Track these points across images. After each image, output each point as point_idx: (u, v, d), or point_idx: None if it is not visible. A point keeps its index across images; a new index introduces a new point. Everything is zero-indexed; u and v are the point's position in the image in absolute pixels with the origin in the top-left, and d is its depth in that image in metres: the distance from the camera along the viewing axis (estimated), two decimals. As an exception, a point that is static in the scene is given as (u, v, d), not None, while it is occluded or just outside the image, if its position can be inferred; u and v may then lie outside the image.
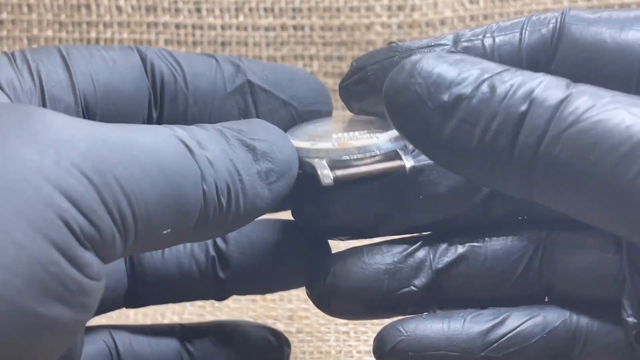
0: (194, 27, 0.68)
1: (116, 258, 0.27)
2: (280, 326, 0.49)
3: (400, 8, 0.67)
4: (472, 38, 0.32)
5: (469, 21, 0.67)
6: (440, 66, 0.28)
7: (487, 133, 0.27)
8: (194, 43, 0.68)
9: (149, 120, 0.34)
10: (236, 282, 0.37)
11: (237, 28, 0.68)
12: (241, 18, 0.68)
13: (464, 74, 0.28)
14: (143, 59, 0.34)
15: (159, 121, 0.34)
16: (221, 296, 0.38)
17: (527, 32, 0.32)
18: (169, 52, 0.35)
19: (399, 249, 0.34)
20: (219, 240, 0.36)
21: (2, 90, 0.30)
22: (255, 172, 0.30)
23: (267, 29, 0.68)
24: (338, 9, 0.67)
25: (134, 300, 0.38)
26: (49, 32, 0.68)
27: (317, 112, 0.36)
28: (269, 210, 0.31)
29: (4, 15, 0.68)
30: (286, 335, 0.48)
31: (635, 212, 0.25)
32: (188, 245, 0.36)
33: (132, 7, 0.68)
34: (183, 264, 0.36)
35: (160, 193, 0.27)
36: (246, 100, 0.34)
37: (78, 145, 0.25)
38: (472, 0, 0.67)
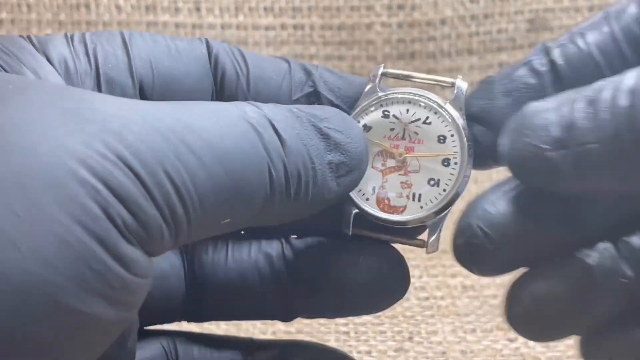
0: (193, 26, 0.68)
1: (165, 251, 0.26)
2: (280, 326, 0.49)
3: (400, 7, 0.67)
4: (563, 43, 0.31)
5: (470, 20, 0.67)
6: (538, 112, 0.28)
7: (613, 138, 0.26)
8: (194, 42, 0.68)
9: None
10: (303, 299, 0.33)
11: (237, 27, 0.68)
12: (241, 17, 0.68)
13: (559, 105, 0.27)
14: (209, 52, 0.33)
15: None
16: (287, 316, 0.34)
17: (614, 21, 0.31)
18: (239, 50, 0.33)
19: None
20: (287, 250, 0.33)
21: (54, 68, 0.29)
22: (327, 162, 0.28)
23: (267, 28, 0.68)
24: (338, 8, 0.67)
25: (193, 312, 0.34)
26: (48, 31, 0.68)
27: None
28: (333, 204, 0.30)
29: (4, 15, 0.68)
30: (286, 335, 0.47)
31: None
32: (253, 254, 0.33)
33: (132, 6, 0.68)
34: (246, 273, 0.33)
35: (218, 184, 0.25)
36: None
37: (127, 136, 0.24)
38: (472, 0, 0.67)
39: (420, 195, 0.31)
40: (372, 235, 0.32)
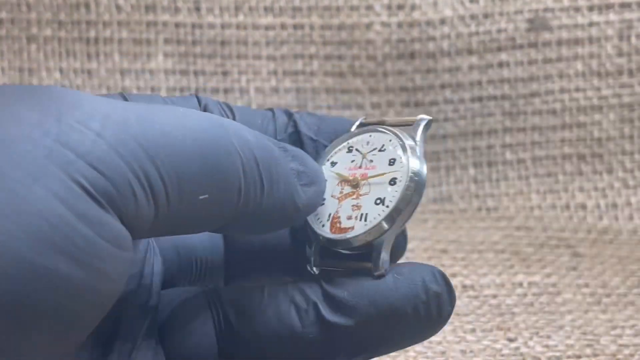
0: (193, 26, 0.68)
1: (149, 229, 0.26)
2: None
3: (400, 7, 0.67)
4: None
5: (469, 20, 0.67)
6: None
7: None
8: (194, 42, 0.68)
9: None
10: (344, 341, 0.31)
11: (237, 27, 0.68)
12: (241, 17, 0.68)
13: None
14: (199, 102, 0.34)
15: None
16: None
17: None
18: (227, 103, 0.35)
19: None
20: (327, 286, 0.31)
21: None
22: (290, 168, 0.29)
23: (266, 28, 0.68)
24: (338, 8, 0.67)
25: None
26: (48, 31, 0.68)
27: None
28: (301, 217, 0.30)
29: (3, 14, 0.68)
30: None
31: None
32: (289, 295, 0.31)
33: (132, 6, 0.68)
34: (283, 317, 0.31)
35: (188, 153, 0.26)
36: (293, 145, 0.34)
37: (83, 105, 0.25)
38: (472, -1, 0.67)
39: (366, 214, 0.32)
40: (333, 268, 0.32)
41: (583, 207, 0.66)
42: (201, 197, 0.26)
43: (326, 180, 0.32)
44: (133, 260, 0.26)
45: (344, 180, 0.33)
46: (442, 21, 0.67)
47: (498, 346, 0.48)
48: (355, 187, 0.32)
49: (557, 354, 0.47)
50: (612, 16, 0.67)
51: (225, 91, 0.68)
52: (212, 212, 0.27)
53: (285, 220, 0.30)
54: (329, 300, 0.30)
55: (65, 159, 0.23)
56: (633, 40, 0.67)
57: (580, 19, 0.67)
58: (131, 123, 0.25)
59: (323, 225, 0.32)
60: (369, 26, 0.67)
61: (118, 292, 0.26)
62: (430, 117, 0.33)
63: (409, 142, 0.32)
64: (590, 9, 0.67)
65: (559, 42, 0.67)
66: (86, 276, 0.24)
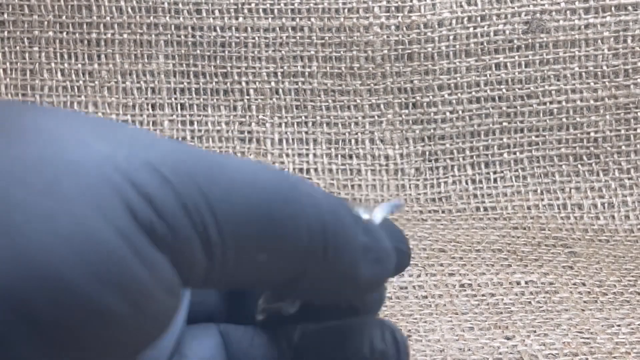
0: (193, 28, 0.68)
1: (202, 280, 0.25)
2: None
3: (398, 9, 0.68)
4: None
5: (467, 22, 0.67)
6: None
7: None
8: (194, 44, 0.68)
9: None
10: None
11: (237, 29, 0.68)
12: (240, 19, 0.68)
13: None
14: None
15: None
16: None
17: None
18: None
19: None
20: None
21: None
22: (359, 241, 0.27)
23: (266, 30, 0.68)
24: (337, 10, 0.68)
25: None
26: (50, 33, 0.68)
27: None
28: (360, 293, 0.29)
29: (5, 16, 0.68)
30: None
31: None
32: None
33: (133, 8, 0.68)
34: None
35: (252, 211, 0.25)
36: None
37: (155, 147, 0.24)
38: (470, 2, 0.68)
39: None
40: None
41: (580, 206, 0.66)
42: (259, 258, 0.25)
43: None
44: (178, 308, 0.25)
45: None
46: (440, 23, 0.67)
47: (496, 344, 0.48)
48: None
49: (554, 352, 0.47)
50: (609, 18, 0.67)
51: (225, 93, 0.69)
52: (270, 272, 0.26)
53: (342, 293, 0.29)
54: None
55: (130, 197, 0.23)
56: (629, 41, 0.67)
57: (576, 21, 0.67)
58: (200, 173, 0.24)
59: None
60: (367, 28, 0.68)
61: (158, 337, 0.25)
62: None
63: None
64: (587, 11, 0.67)
65: (556, 44, 0.67)
66: (133, 312, 0.23)
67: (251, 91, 0.69)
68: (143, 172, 0.23)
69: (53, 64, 0.69)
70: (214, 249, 0.24)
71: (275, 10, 0.68)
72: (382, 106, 0.68)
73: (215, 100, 0.69)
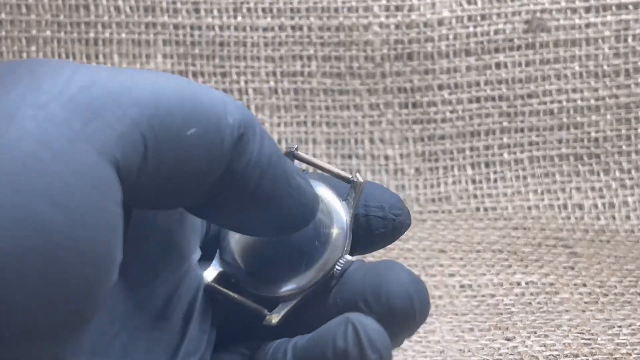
0: (192, 27, 0.68)
1: (135, 179, 0.25)
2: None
3: (398, 8, 0.68)
4: None
5: (467, 21, 0.67)
6: None
7: None
8: (192, 43, 0.68)
9: None
10: None
11: (236, 28, 0.68)
12: (239, 18, 0.68)
13: None
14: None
15: None
16: None
17: None
18: None
19: None
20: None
21: None
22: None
23: (265, 29, 0.68)
24: (336, 9, 0.68)
25: None
26: (48, 33, 0.68)
27: None
28: (294, 206, 0.29)
29: (3, 16, 0.68)
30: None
31: None
32: None
33: (131, 8, 0.68)
34: None
35: (175, 91, 0.26)
36: None
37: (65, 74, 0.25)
38: (470, 1, 0.67)
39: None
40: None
41: (580, 207, 0.66)
42: (189, 132, 0.26)
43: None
44: (122, 218, 0.25)
45: None
46: (440, 22, 0.67)
47: (496, 345, 0.48)
48: None
49: (555, 353, 0.47)
50: (609, 17, 0.67)
51: (224, 92, 0.68)
52: (202, 152, 0.26)
53: (280, 196, 0.29)
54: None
55: (39, 101, 0.24)
56: (630, 41, 0.67)
57: (577, 20, 0.67)
58: (113, 77, 0.25)
59: None
60: (367, 27, 0.67)
61: (110, 258, 0.24)
62: (362, 180, 0.32)
63: (338, 206, 0.32)
64: (587, 10, 0.67)
65: (556, 43, 0.67)
66: (67, 221, 0.23)
67: (250, 90, 0.68)
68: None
69: (51, 64, 0.69)
70: (146, 137, 0.25)
71: (274, 10, 0.68)
72: (381, 106, 0.68)
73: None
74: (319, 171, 0.33)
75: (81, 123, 0.24)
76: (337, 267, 0.31)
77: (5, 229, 0.22)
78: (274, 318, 0.31)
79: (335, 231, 0.31)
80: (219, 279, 0.32)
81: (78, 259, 0.23)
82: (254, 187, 0.28)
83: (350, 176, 0.32)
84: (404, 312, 0.29)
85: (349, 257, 0.31)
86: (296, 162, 0.32)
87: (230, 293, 0.32)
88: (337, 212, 0.31)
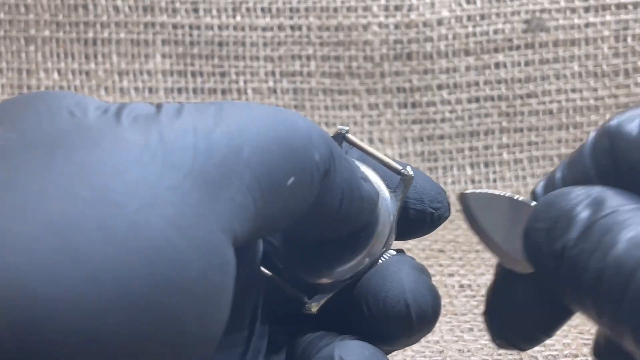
0: (191, 27, 0.68)
1: (249, 231, 0.25)
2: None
3: (397, 8, 0.67)
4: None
5: (466, 21, 0.67)
6: (555, 210, 0.27)
7: (596, 283, 0.25)
8: (191, 43, 0.68)
9: None
10: None
11: (235, 28, 0.68)
12: (238, 18, 0.68)
13: (575, 218, 0.27)
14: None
15: None
16: None
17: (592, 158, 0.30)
18: None
19: None
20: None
21: None
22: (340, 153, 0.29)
23: (264, 29, 0.68)
24: (335, 9, 0.68)
25: None
26: (46, 32, 0.68)
27: None
28: (365, 214, 0.30)
29: (1, 15, 0.68)
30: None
31: None
32: None
33: (130, 7, 0.68)
34: None
35: (274, 138, 0.25)
36: None
37: (180, 121, 0.25)
38: (469, 0, 0.67)
39: None
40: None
41: (580, 207, 0.66)
42: (289, 182, 0.26)
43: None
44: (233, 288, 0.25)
45: None
46: (439, 22, 0.67)
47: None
48: None
49: (554, 353, 0.47)
50: (608, 17, 0.67)
51: (223, 92, 0.68)
52: (297, 201, 0.27)
53: (357, 213, 0.29)
54: None
55: (174, 182, 0.23)
56: (629, 41, 0.67)
57: (576, 20, 0.67)
58: (219, 130, 0.25)
59: None
60: (366, 27, 0.67)
61: (224, 323, 0.25)
62: (412, 173, 0.32)
63: (386, 196, 0.31)
64: (587, 10, 0.67)
65: (556, 43, 0.67)
66: (196, 310, 0.23)
67: (249, 90, 0.68)
68: (178, 151, 0.24)
69: (49, 64, 0.68)
70: (256, 195, 0.25)
71: (274, 9, 0.68)
72: (380, 106, 0.68)
73: (213, 99, 0.69)
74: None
75: (210, 201, 0.23)
76: (380, 260, 0.31)
77: (133, 318, 0.22)
78: (314, 307, 0.30)
79: (380, 224, 0.31)
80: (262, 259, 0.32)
81: (199, 342, 0.24)
82: (335, 211, 0.28)
83: (400, 168, 0.31)
84: (398, 318, 0.30)
85: (392, 252, 0.31)
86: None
87: (273, 275, 0.31)
88: (386, 205, 0.31)
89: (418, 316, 0.30)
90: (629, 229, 0.25)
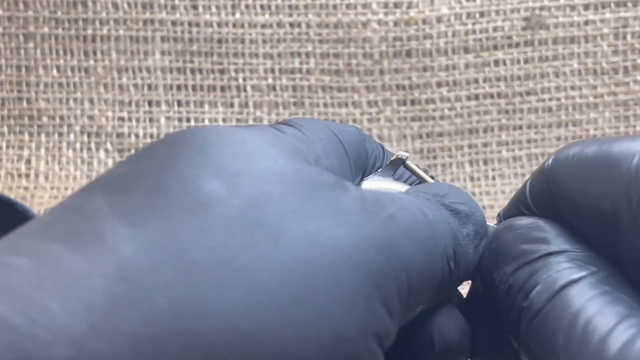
0: (190, 24, 0.68)
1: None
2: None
3: (396, 5, 0.67)
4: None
5: (466, 18, 0.67)
6: (498, 243, 0.30)
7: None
8: (191, 40, 0.68)
9: None
10: None
11: (234, 25, 0.68)
12: (238, 15, 0.68)
13: (512, 254, 0.29)
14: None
15: None
16: None
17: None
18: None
19: None
20: None
21: None
22: (465, 235, 0.29)
23: (263, 26, 0.68)
24: (335, 6, 0.68)
25: None
26: (45, 29, 0.68)
27: None
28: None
29: (0, 12, 0.68)
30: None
31: None
32: None
33: (129, 4, 0.68)
34: None
35: (424, 266, 0.26)
36: None
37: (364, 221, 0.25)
38: (468, -2, 0.67)
39: None
40: None
41: (579, 204, 0.66)
42: (418, 309, 0.27)
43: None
44: None
45: None
46: (439, 19, 0.67)
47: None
48: None
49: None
50: (608, 14, 0.67)
51: (222, 89, 0.68)
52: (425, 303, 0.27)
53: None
54: None
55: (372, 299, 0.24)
56: (629, 38, 0.67)
57: (576, 17, 0.67)
58: (403, 248, 0.25)
59: None
60: (365, 24, 0.67)
61: None
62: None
63: None
64: (586, 7, 0.67)
65: (555, 41, 0.67)
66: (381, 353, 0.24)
67: (248, 88, 0.68)
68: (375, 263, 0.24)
69: (49, 61, 0.68)
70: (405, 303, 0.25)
71: (273, 6, 0.68)
72: (380, 103, 0.68)
73: (212, 96, 0.69)
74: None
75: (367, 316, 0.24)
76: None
77: None
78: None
79: None
80: None
81: None
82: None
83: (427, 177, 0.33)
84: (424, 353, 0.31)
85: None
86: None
87: None
88: None
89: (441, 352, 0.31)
90: (546, 275, 0.27)
